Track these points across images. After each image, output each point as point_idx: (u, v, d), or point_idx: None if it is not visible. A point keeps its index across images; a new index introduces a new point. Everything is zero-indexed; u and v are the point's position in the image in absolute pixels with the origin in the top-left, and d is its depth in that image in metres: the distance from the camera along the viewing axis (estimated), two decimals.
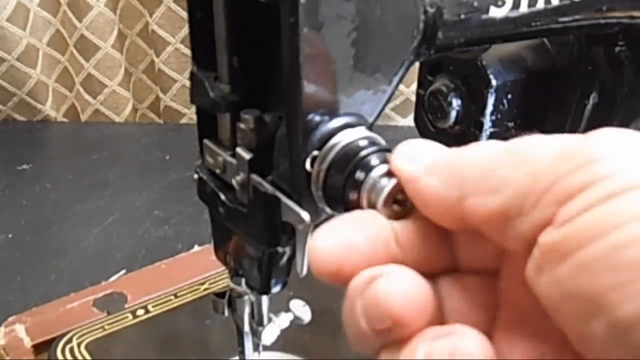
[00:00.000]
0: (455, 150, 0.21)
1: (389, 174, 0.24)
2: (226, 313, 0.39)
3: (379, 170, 0.24)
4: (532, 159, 0.18)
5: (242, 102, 0.29)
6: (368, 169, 0.25)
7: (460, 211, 0.19)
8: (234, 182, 0.30)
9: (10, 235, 0.71)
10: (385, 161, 0.25)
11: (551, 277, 0.17)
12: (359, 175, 0.25)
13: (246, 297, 0.37)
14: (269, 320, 0.38)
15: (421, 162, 0.21)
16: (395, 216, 0.23)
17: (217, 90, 0.29)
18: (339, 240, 0.21)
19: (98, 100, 0.99)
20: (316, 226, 0.28)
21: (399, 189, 0.23)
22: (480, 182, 0.19)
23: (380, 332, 0.20)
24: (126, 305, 0.54)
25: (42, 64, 0.97)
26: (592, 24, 0.40)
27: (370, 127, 0.28)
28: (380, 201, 0.23)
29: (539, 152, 0.18)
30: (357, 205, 0.25)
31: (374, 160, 0.25)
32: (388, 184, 0.23)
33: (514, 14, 0.34)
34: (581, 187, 0.17)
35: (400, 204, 0.23)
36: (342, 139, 0.26)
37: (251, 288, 0.36)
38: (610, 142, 0.18)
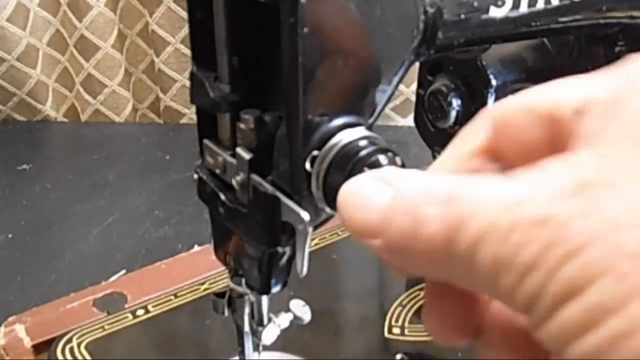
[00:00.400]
0: (386, 214, 0.20)
1: None
2: (226, 313, 0.39)
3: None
4: (471, 253, 0.18)
5: (242, 102, 0.29)
6: (374, 168, 0.25)
7: None
8: (234, 182, 0.30)
9: (10, 235, 0.71)
10: (392, 162, 0.25)
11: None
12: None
13: (246, 297, 0.37)
14: (269, 320, 0.38)
15: (372, 232, 0.21)
16: None
17: (217, 90, 0.29)
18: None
19: (98, 100, 0.99)
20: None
21: None
22: (440, 267, 0.19)
23: None
24: (126, 305, 0.54)
25: (42, 64, 0.97)
26: (592, 24, 0.40)
27: (370, 127, 0.28)
28: None
29: (473, 241, 0.18)
30: None
31: (382, 160, 0.25)
32: None
33: (514, 14, 0.34)
34: (533, 297, 0.17)
35: None
36: (342, 139, 0.26)
37: (251, 288, 0.36)
38: (530, 239, 0.17)
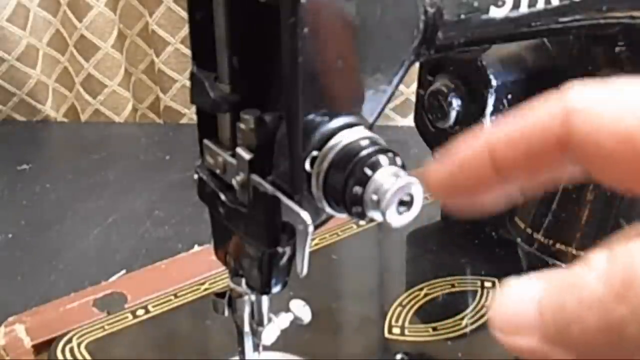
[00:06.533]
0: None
1: (395, 175, 0.24)
2: (226, 313, 0.39)
3: (385, 172, 0.24)
4: None
5: (242, 102, 0.29)
6: (374, 168, 0.25)
7: None
8: (234, 182, 0.30)
9: (10, 235, 0.71)
10: (392, 162, 0.25)
11: None
12: (367, 172, 0.25)
13: (246, 297, 0.37)
14: (269, 320, 0.38)
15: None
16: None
17: (217, 90, 0.29)
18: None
19: (98, 100, 0.99)
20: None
21: (405, 191, 0.23)
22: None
23: None
24: (126, 305, 0.54)
25: (42, 64, 0.97)
26: (592, 24, 0.40)
27: (370, 127, 0.28)
28: (389, 207, 0.24)
29: None
30: (359, 203, 0.25)
31: (382, 160, 0.25)
32: (394, 188, 0.24)
33: (514, 14, 0.35)
34: None
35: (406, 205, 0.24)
36: (342, 139, 0.26)
37: (251, 288, 0.36)
38: None
